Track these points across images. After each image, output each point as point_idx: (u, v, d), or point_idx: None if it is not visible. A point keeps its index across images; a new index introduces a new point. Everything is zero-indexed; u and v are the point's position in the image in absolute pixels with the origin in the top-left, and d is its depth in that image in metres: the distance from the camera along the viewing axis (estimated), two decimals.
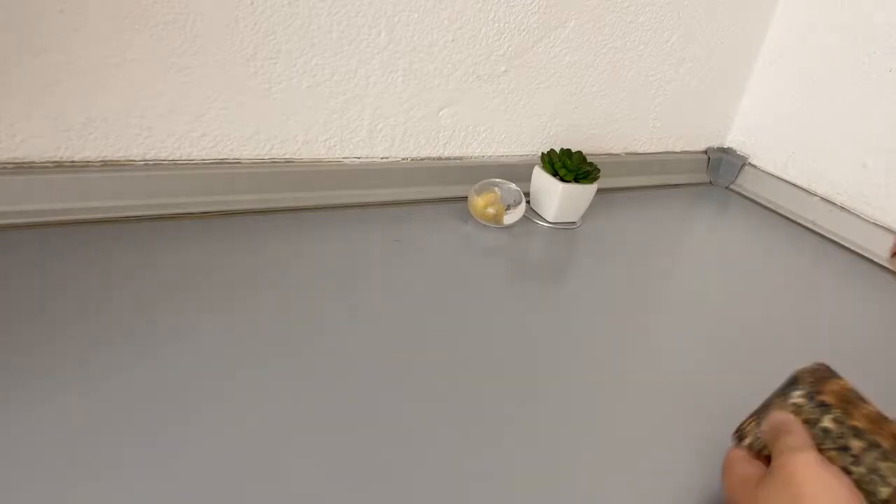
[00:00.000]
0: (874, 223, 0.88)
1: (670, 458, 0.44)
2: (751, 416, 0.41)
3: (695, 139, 1.06)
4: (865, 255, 0.88)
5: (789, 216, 0.98)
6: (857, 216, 0.90)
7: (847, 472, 0.35)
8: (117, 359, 0.42)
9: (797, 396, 0.39)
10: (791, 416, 0.37)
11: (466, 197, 0.74)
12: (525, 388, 0.48)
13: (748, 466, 0.37)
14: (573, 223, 0.79)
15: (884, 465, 0.35)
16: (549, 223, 0.77)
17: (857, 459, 0.35)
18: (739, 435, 0.41)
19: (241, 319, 0.49)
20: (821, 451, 0.36)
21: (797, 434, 0.36)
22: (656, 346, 0.58)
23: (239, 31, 0.58)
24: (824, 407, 0.37)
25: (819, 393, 0.38)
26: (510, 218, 0.73)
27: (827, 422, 0.37)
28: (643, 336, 0.60)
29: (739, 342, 0.61)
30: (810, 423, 0.37)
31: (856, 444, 0.36)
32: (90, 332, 0.44)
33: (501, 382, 0.48)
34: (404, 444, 0.41)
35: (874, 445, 0.35)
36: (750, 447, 0.39)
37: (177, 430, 0.38)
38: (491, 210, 0.72)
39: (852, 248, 0.89)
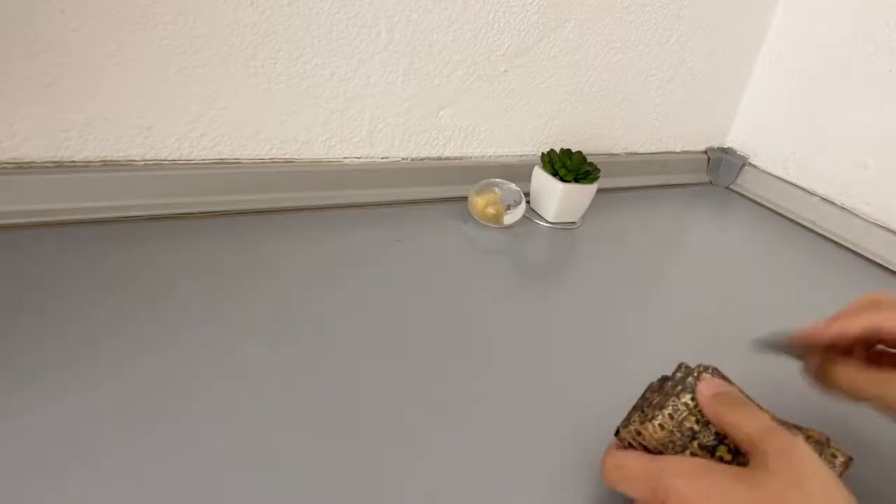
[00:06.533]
0: (874, 223, 0.88)
1: None
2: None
3: (695, 139, 1.06)
4: (865, 255, 0.88)
5: (789, 216, 0.98)
6: (857, 216, 0.90)
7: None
8: (117, 358, 0.42)
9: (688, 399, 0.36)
10: (734, 390, 0.35)
11: (466, 197, 0.74)
12: (525, 387, 0.48)
13: (639, 456, 0.35)
14: (573, 223, 0.79)
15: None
16: (549, 223, 0.77)
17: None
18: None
19: (240, 319, 0.49)
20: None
21: (761, 414, 0.34)
22: (656, 346, 0.58)
23: (239, 31, 0.58)
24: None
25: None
26: (510, 218, 0.73)
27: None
28: (643, 336, 0.60)
29: (739, 342, 0.61)
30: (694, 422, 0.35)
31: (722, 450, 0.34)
32: (90, 331, 0.44)
33: (501, 382, 0.48)
34: (403, 443, 0.41)
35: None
36: (625, 428, 0.37)
37: (176, 429, 0.38)
38: (491, 210, 0.72)
39: (852, 248, 0.89)
